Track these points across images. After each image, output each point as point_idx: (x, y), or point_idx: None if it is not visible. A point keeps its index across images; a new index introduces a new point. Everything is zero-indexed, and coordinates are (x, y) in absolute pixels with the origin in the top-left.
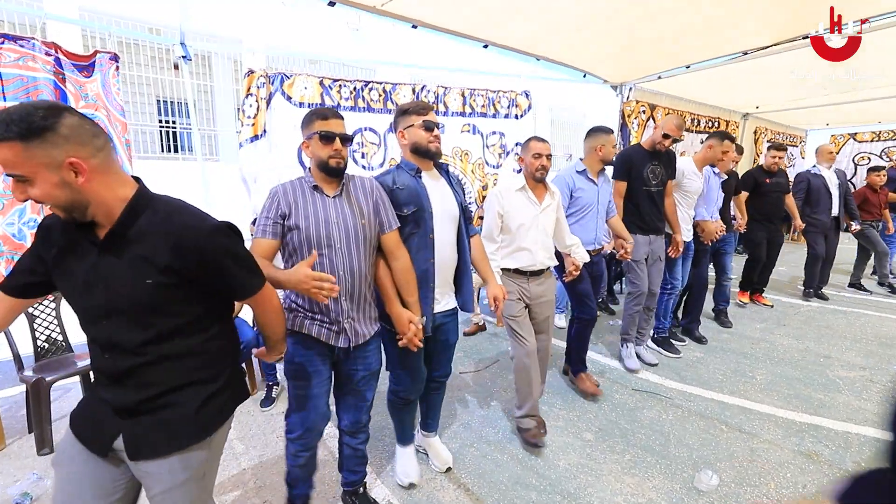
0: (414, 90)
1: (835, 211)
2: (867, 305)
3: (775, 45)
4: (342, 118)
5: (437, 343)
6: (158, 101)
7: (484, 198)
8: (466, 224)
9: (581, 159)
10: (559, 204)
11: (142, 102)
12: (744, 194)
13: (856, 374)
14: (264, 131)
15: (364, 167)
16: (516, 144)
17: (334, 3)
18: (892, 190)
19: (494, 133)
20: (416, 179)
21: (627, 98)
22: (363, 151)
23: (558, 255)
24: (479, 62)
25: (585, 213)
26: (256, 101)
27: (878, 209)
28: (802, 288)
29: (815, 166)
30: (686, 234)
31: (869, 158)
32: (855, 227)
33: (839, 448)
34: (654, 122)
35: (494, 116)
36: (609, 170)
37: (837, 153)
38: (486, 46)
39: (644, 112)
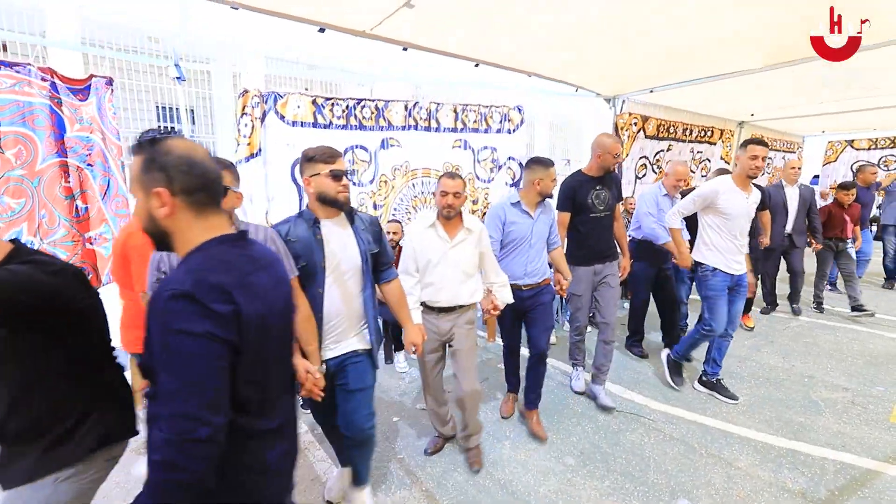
0: (406, 107)
1: (788, 227)
2: (857, 321)
3: (767, 67)
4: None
5: (340, 391)
6: (157, 107)
7: (474, 212)
8: (374, 272)
9: (518, 191)
10: (481, 238)
11: (140, 109)
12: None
13: (838, 396)
14: (259, 150)
15: (355, 183)
16: (509, 158)
17: (324, 30)
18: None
19: (486, 148)
20: (314, 231)
21: (621, 110)
22: (353, 168)
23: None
24: (473, 76)
25: (517, 246)
26: (251, 120)
27: (843, 225)
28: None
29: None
30: (736, 266)
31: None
32: (816, 245)
33: (815, 475)
34: (644, 133)
35: (486, 131)
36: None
37: (835, 161)
38: (476, 65)
39: (636, 124)
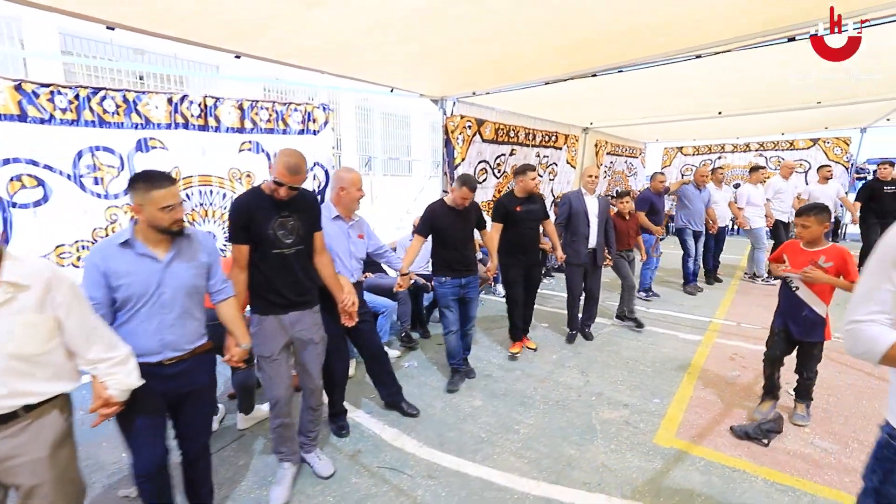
0: (171, 101)
1: (592, 241)
2: (663, 323)
3: (570, 78)
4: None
5: None
6: None
7: None
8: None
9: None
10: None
11: None
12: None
13: (616, 416)
14: None
15: (98, 195)
16: (315, 164)
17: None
18: (648, 212)
19: None
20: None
21: (451, 113)
22: (96, 176)
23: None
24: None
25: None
26: None
27: (626, 238)
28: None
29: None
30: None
31: (691, 171)
32: (608, 260)
33: None
34: (481, 137)
35: (285, 132)
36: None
37: (670, 165)
38: (238, 57)
39: (469, 127)
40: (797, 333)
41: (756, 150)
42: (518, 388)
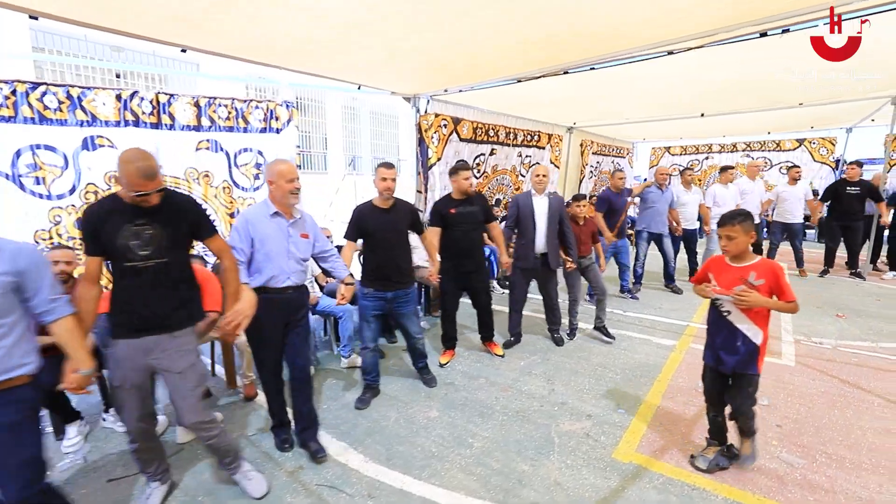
0: (120, 97)
1: (539, 245)
2: (638, 327)
3: (543, 76)
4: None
5: None
6: None
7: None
8: None
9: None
10: None
11: None
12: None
13: (577, 428)
14: None
15: (40, 196)
16: None
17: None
18: (606, 213)
19: (247, 150)
20: None
21: (425, 111)
22: (37, 176)
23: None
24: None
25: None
26: None
27: (579, 244)
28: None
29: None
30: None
31: (677, 171)
32: (570, 264)
33: None
34: (458, 135)
35: (246, 130)
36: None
37: (657, 164)
38: (183, 51)
39: (445, 126)
40: (729, 365)
41: (743, 151)
42: (479, 398)
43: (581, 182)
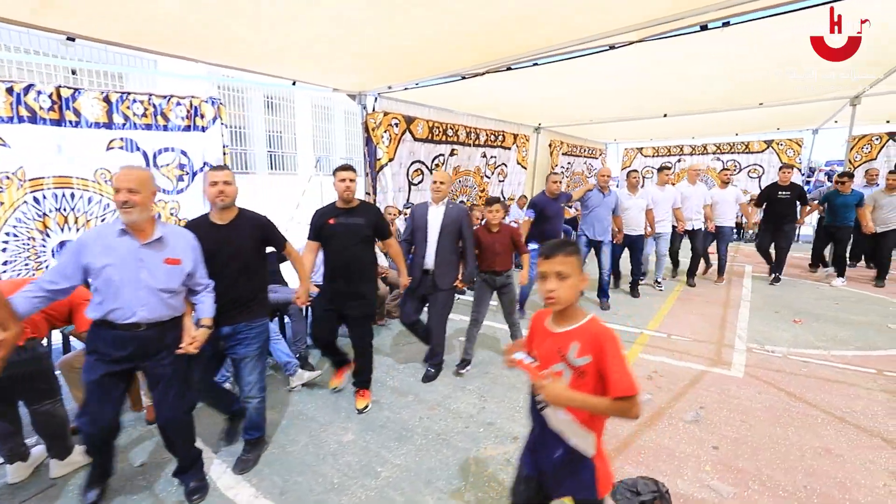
0: (11, 90)
1: (428, 260)
2: None
3: (487, 72)
4: None
5: None
6: None
7: None
8: None
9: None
10: None
11: None
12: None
13: (499, 452)
14: None
15: None
16: (204, 164)
17: None
18: (537, 220)
19: (168, 150)
20: None
21: (373, 109)
22: None
23: None
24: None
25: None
26: None
27: (493, 256)
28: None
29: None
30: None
31: (652, 173)
32: (458, 283)
33: None
34: (412, 135)
35: (166, 129)
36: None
37: (630, 166)
38: (71, 39)
39: (397, 125)
40: (549, 486)
41: (714, 153)
42: (402, 418)
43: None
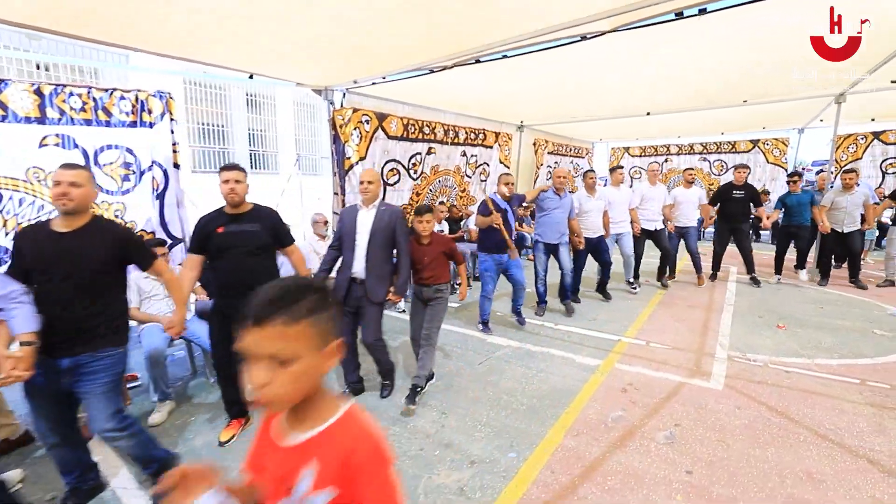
0: None
1: (357, 270)
2: (565, 343)
3: (455, 65)
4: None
5: None
6: None
7: None
8: None
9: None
10: None
11: None
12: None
13: (453, 480)
14: None
15: None
16: (152, 163)
17: None
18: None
19: (112, 147)
20: None
21: (341, 105)
22: None
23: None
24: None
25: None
26: None
27: (424, 268)
28: None
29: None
30: None
31: (640, 173)
32: (392, 297)
33: None
34: (386, 133)
35: (108, 124)
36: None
37: (616, 164)
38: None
39: (368, 122)
40: None
41: (700, 153)
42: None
43: (535, 183)
